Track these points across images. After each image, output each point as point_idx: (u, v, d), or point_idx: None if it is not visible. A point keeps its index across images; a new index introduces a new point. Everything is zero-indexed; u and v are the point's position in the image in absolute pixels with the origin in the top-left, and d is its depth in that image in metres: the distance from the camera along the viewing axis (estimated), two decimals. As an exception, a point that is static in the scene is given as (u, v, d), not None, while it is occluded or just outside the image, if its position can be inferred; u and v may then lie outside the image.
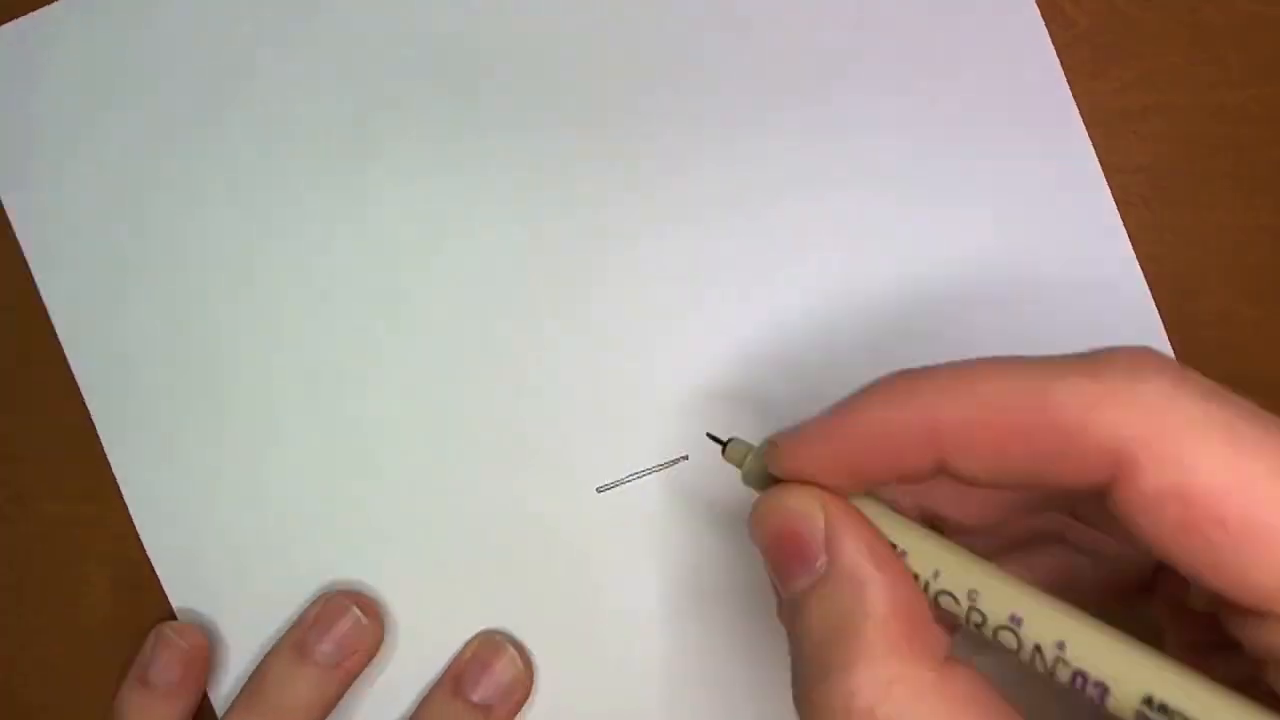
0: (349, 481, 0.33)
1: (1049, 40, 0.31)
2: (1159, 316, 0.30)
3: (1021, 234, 0.31)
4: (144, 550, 0.35)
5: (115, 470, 0.34)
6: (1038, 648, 0.18)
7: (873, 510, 0.20)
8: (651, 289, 0.32)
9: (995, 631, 0.18)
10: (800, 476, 0.21)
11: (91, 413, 0.34)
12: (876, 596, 0.18)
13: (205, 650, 0.33)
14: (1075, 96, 0.30)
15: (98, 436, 0.35)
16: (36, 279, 0.34)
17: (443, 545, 0.32)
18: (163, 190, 0.34)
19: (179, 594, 0.34)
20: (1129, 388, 0.17)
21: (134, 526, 0.35)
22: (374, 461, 0.33)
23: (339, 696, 0.32)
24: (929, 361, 0.20)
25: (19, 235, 0.34)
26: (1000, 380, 0.18)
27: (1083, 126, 0.31)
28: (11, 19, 0.34)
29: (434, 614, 0.33)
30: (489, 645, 0.32)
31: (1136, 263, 0.30)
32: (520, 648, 0.32)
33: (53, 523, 0.35)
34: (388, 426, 0.33)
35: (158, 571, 0.34)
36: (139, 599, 0.35)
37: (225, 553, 0.33)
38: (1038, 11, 0.31)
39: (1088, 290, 0.31)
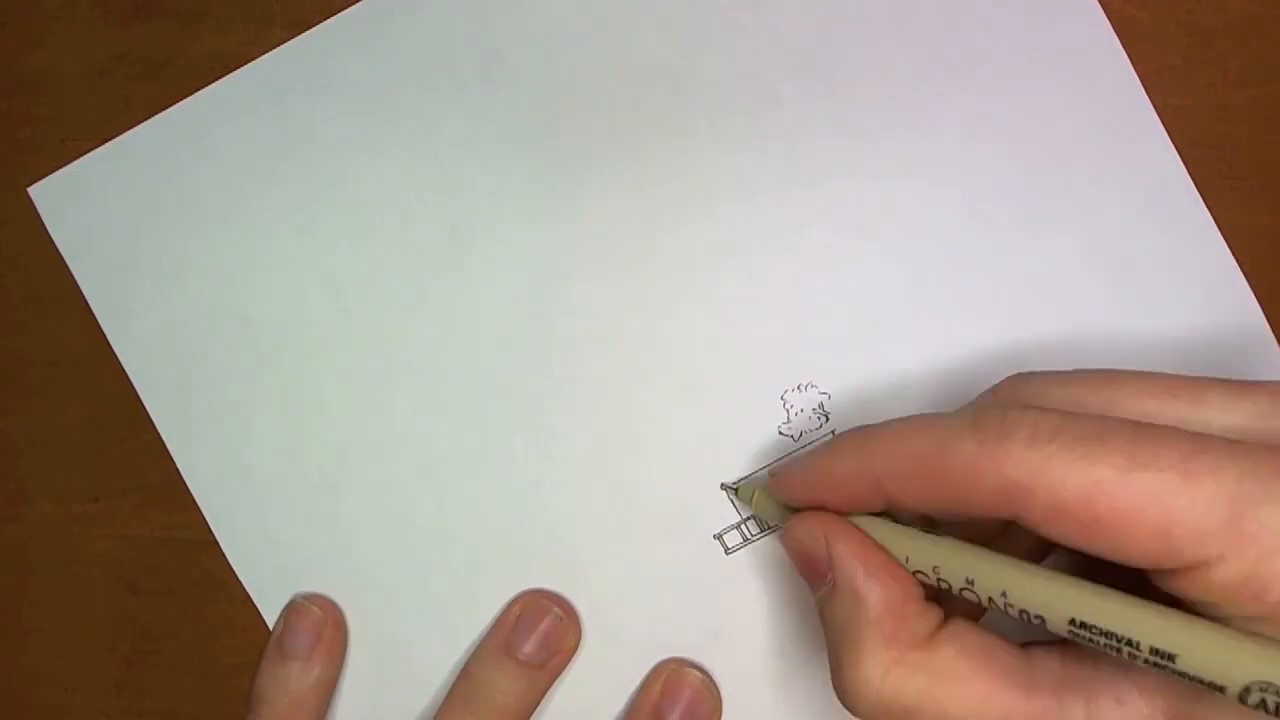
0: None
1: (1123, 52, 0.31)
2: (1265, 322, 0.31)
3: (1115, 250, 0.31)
4: (144, 550, 0.35)
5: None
6: (990, 598, 0.22)
7: (867, 522, 0.25)
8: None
9: (960, 592, 0.23)
10: (793, 504, 0.26)
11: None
12: (870, 602, 0.23)
13: (340, 619, 0.33)
14: None
15: (98, 436, 0.35)
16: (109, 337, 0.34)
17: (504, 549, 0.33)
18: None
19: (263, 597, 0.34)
20: (1000, 444, 0.21)
21: (134, 527, 0.35)
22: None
23: (543, 696, 0.32)
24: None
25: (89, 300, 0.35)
26: (918, 440, 0.22)
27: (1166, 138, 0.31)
28: (105, 140, 0.34)
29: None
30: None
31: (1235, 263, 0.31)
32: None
33: (53, 523, 0.35)
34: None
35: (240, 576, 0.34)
36: (139, 599, 0.35)
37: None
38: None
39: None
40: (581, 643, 0.33)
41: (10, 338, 0.35)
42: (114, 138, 0.34)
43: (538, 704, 0.32)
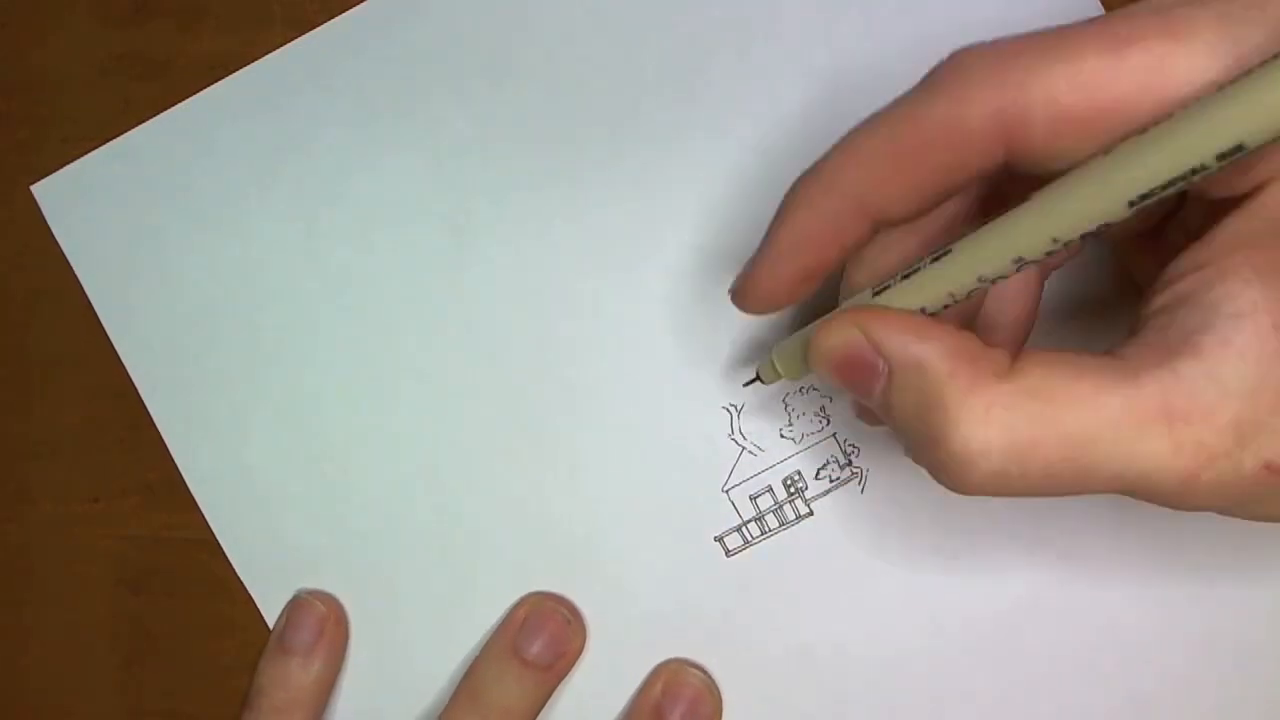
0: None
1: None
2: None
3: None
4: (143, 551, 0.35)
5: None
6: (1046, 252, 0.20)
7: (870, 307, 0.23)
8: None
9: (971, 294, 0.22)
10: (770, 302, 0.24)
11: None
12: (935, 362, 0.20)
13: (343, 615, 0.33)
14: None
15: (98, 436, 0.35)
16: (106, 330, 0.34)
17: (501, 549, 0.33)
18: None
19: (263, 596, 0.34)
20: (979, 81, 0.20)
21: (134, 527, 0.35)
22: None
23: (548, 699, 0.32)
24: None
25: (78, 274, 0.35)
26: (882, 128, 0.21)
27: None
28: (106, 140, 0.34)
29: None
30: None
31: None
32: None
33: (53, 523, 0.35)
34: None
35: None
36: (139, 599, 0.35)
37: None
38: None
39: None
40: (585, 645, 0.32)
41: (12, 336, 0.35)
42: (114, 138, 0.34)
43: (543, 706, 0.32)
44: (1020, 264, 0.20)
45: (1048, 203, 0.20)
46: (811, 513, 0.32)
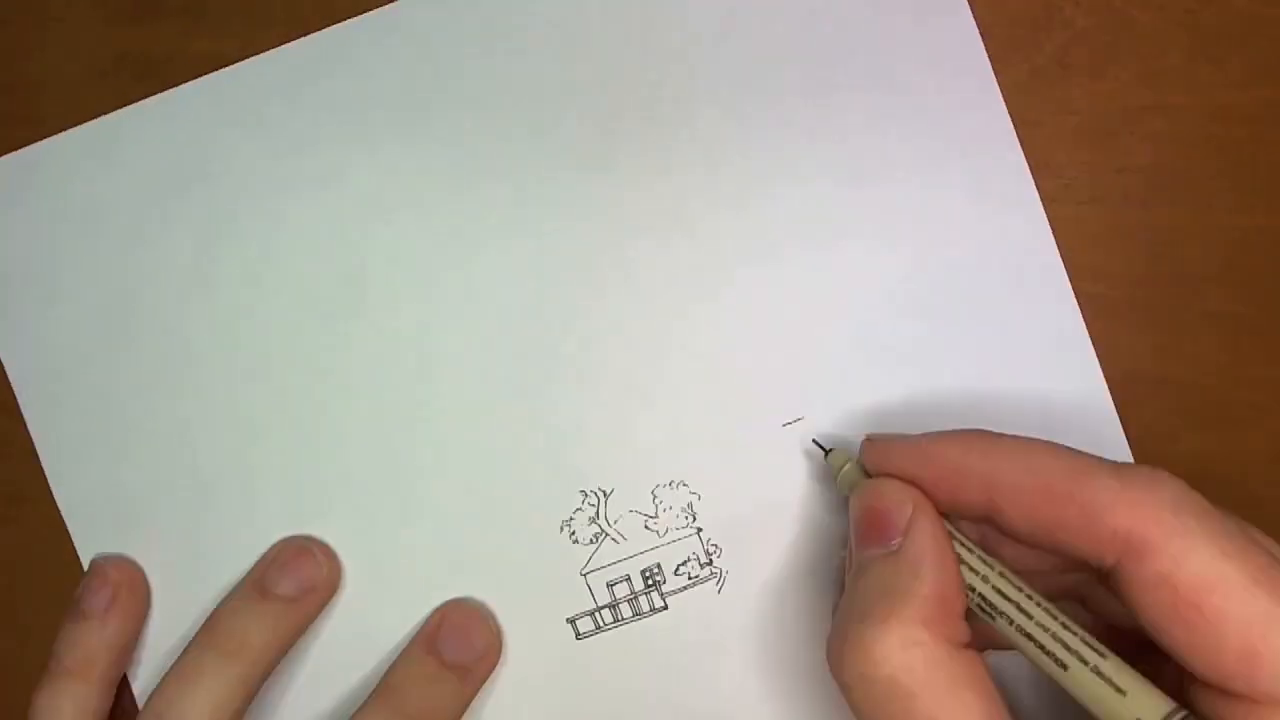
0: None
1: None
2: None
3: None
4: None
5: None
6: (1063, 653, 0.22)
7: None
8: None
9: (1001, 619, 0.23)
10: (880, 472, 0.26)
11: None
12: (928, 579, 0.22)
13: (138, 579, 0.33)
14: (1074, 97, 0.30)
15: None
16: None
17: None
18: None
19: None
20: (1147, 494, 0.21)
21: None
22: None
23: (297, 636, 0.31)
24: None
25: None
26: (1052, 461, 0.22)
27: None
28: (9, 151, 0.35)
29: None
30: (462, 610, 0.31)
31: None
32: (491, 616, 0.31)
33: (53, 523, 0.37)
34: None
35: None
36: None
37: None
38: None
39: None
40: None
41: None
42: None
43: (289, 646, 0.31)
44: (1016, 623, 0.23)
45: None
46: (666, 607, 0.30)
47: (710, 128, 0.30)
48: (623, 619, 0.30)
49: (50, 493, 0.36)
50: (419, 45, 0.31)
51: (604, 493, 0.30)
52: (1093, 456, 0.22)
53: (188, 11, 0.34)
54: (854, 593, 0.23)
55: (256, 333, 0.32)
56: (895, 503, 0.24)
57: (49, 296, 0.34)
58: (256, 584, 0.31)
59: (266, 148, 0.32)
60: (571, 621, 0.30)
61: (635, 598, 0.30)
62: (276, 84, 0.32)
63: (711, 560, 0.30)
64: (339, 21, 0.32)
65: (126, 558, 0.33)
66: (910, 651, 0.21)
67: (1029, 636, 0.22)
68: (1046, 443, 0.23)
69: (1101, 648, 0.22)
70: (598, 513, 0.30)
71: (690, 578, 0.30)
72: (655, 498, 0.30)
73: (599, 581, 0.30)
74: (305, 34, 0.32)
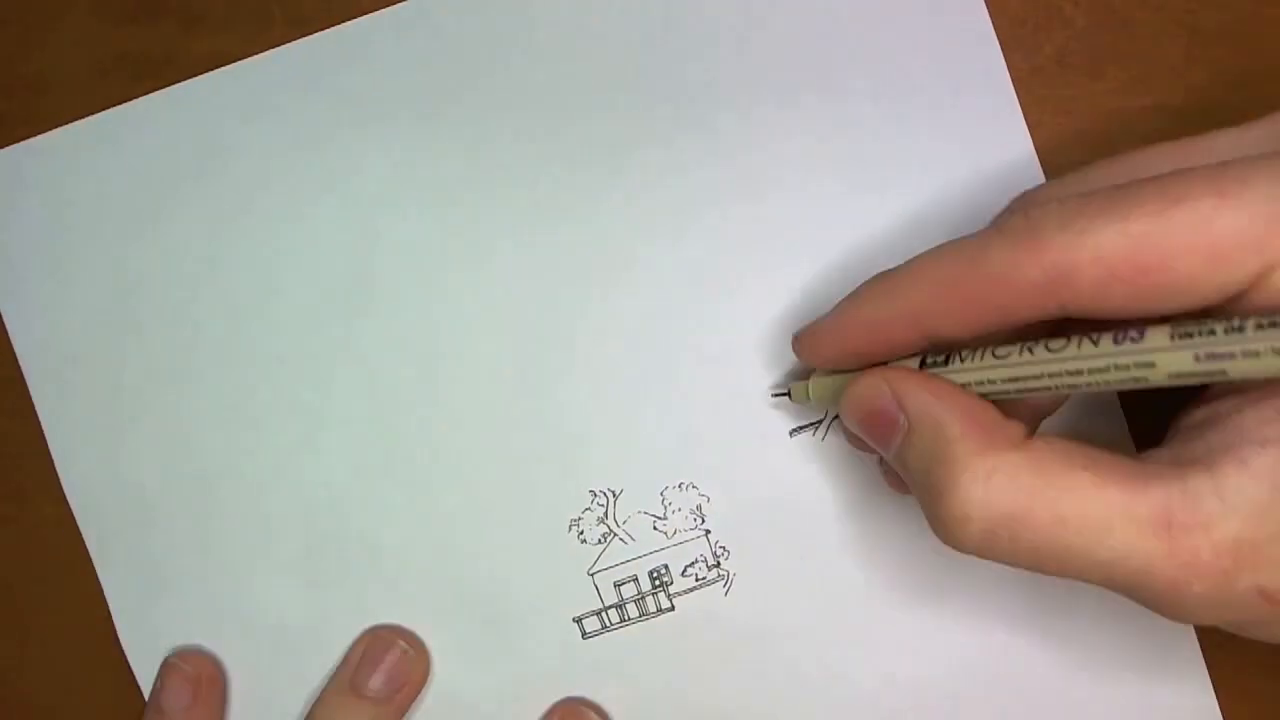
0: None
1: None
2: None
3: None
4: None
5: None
6: (1088, 384, 0.21)
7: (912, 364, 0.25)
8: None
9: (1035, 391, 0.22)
10: (821, 363, 0.26)
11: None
12: (950, 422, 0.22)
13: (215, 674, 0.33)
14: (1073, 96, 0.30)
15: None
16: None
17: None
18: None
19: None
20: (1036, 237, 0.20)
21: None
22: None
23: None
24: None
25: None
26: (946, 261, 0.22)
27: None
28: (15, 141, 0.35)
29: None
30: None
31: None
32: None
33: (53, 523, 0.37)
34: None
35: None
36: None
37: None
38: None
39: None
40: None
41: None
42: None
43: None
44: (1046, 386, 0.22)
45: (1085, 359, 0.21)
46: (673, 608, 0.31)
47: (725, 128, 0.30)
48: (629, 619, 0.30)
49: (50, 492, 0.36)
50: (434, 42, 0.31)
51: (613, 493, 0.30)
52: (976, 235, 0.22)
53: (188, 11, 0.33)
54: (917, 486, 0.23)
55: (265, 329, 0.32)
56: (874, 392, 0.24)
57: (60, 286, 0.33)
58: (349, 683, 0.31)
59: (279, 142, 0.32)
60: (578, 621, 0.31)
61: (642, 598, 0.30)
62: (291, 79, 0.32)
63: (719, 562, 0.30)
64: (339, 22, 0.32)
65: (202, 650, 0.33)
66: (992, 482, 0.21)
67: (1055, 378, 0.22)
68: (938, 246, 0.23)
69: (1102, 336, 0.21)
70: (606, 513, 0.30)
71: (698, 579, 0.30)
72: (664, 499, 0.30)
73: (606, 581, 0.30)
74: (305, 34, 0.32)
